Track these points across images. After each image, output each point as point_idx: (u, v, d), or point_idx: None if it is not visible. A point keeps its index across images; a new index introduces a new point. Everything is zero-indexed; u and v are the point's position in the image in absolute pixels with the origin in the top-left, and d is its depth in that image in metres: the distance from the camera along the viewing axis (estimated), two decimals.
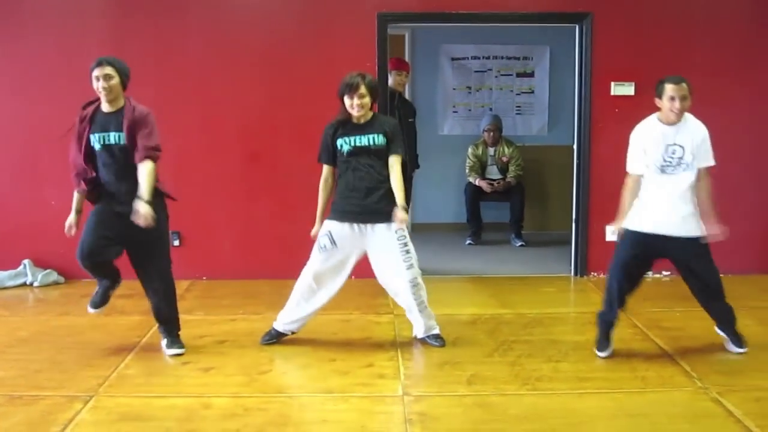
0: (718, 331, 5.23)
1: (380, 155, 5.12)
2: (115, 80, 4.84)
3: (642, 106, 6.98)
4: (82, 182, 4.92)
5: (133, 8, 6.98)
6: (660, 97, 4.92)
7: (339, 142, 5.09)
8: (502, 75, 9.73)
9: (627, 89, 7.01)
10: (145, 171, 4.83)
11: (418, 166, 7.84)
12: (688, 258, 5.00)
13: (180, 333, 5.28)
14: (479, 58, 9.68)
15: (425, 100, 9.49)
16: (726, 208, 6.79)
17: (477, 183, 9.05)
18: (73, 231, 4.95)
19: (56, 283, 7.06)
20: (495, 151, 9.18)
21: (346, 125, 5.12)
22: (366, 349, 5.34)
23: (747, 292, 6.69)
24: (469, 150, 9.19)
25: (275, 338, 5.36)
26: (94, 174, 4.90)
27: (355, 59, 6.96)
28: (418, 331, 5.36)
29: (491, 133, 9.13)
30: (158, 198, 4.97)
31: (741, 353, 5.09)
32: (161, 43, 7.00)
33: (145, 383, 4.72)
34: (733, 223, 7.12)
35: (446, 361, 5.05)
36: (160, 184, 5.00)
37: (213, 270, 7.23)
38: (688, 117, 4.98)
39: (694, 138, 4.91)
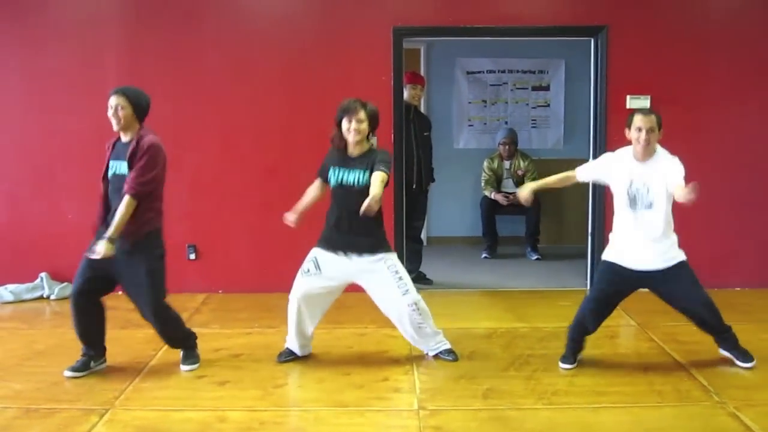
0: (723, 352, 5.20)
1: (359, 194, 4.89)
2: (126, 111, 4.81)
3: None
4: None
5: (151, 23, 7.03)
6: (629, 127, 4.91)
7: (330, 172, 5.09)
8: (517, 88, 9.74)
9: (643, 102, 6.99)
10: (122, 205, 4.73)
11: (433, 180, 7.84)
12: (673, 287, 4.96)
13: (196, 346, 5.29)
14: (495, 72, 9.69)
15: (441, 113, 9.51)
16: (741, 220, 6.80)
17: (492, 196, 9.04)
18: None
19: None
20: (510, 164, 9.18)
21: (342, 155, 5.07)
22: (381, 362, 5.34)
23: (762, 305, 6.67)
24: (485, 163, 9.20)
25: (290, 356, 5.36)
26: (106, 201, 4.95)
27: (371, 73, 6.99)
28: (428, 349, 5.35)
29: (507, 147, 9.14)
30: (155, 235, 4.97)
31: (751, 367, 5.05)
32: (178, 58, 7.05)
33: (160, 396, 4.73)
34: (748, 236, 7.16)
35: (462, 375, 5.04)
36: (154, 221, 4.97)
37: (229, 283, 7.25)
38: (661, 154, 4.92)
39: (662, 177, 4.83)
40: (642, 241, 4.91)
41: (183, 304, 6.67)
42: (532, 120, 9.78)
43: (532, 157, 9.29)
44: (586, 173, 5.23)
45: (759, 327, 5.96)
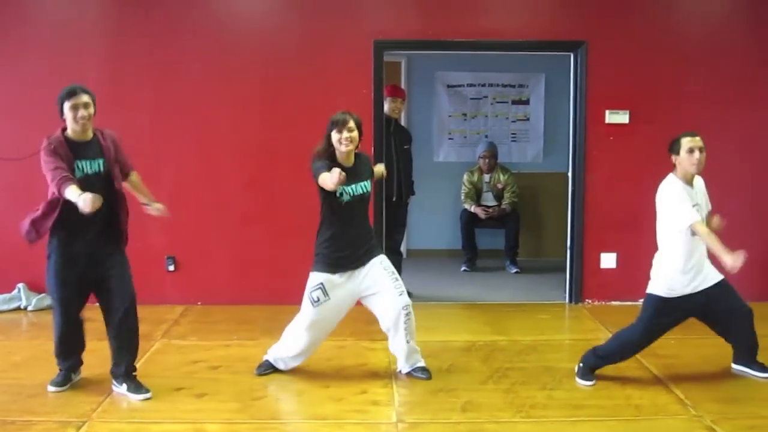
0: (738, 368, 5.24)
1: (368, 201, 5.17)
2: (92, 109, 4.76)
3: (636, 134, 7.08)
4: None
5: (130, 33, 7.00)
6: (677, 152, 4.97)
7: (338, 189, 4.92)
8: (497, 102, 9.78)
9: (621, 117, 7.05)
10: (138, 179, 5.11)
11: (413, 193, 7.85)
12: (722, 300, 5.06)
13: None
14: (475, 86, 9.72)
15: (421, 126, 9.52)
16: (722, 235, 6.82)
17: (472, 210, 9.06)
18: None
19: (50, 308, 6.96)
20: (490, 177, 9.21)
21: (336, 167, 4.95)
22: (360, 375, 5.33)
23: None
24: (465, 177, 9.22)
25: (270, 369, 5.33)
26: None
27: (352, 86, 7.01)
28: (404, 365, 5.28)
29: (486, 160, 9.16)
30: (123, 236, 4.95)
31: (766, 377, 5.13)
32: (158, 68, 7.03)
33: (138, 409, 4.71)
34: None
35: (440, 388, 5.04)
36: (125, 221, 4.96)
37: (208, 295, 7.22)
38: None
39: (704, 193, 5.10)
40: (703, 258, 5.02)
41: (161, 315, 6.66)
42: (512, 134, 9.81)
43: (512, 170, 9.32)
44: (694, 212, 4.87)
45: None
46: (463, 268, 8.97)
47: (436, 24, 7.06)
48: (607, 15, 7.09)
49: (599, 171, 7.14)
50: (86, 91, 4.76)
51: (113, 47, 7.04)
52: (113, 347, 4.95)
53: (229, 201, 7.17)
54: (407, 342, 5.17)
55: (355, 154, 5.16)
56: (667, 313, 5.01)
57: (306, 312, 5.11)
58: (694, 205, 4.89)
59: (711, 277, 5.04)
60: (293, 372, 5.33)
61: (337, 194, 4.94)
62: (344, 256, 5.04)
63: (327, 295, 5.04)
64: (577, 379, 5.14)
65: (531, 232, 9.57)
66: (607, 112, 7.08)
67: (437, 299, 7.50)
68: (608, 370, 5.39)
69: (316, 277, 5.07)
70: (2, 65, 7.03)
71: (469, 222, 9.10)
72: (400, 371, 5.31)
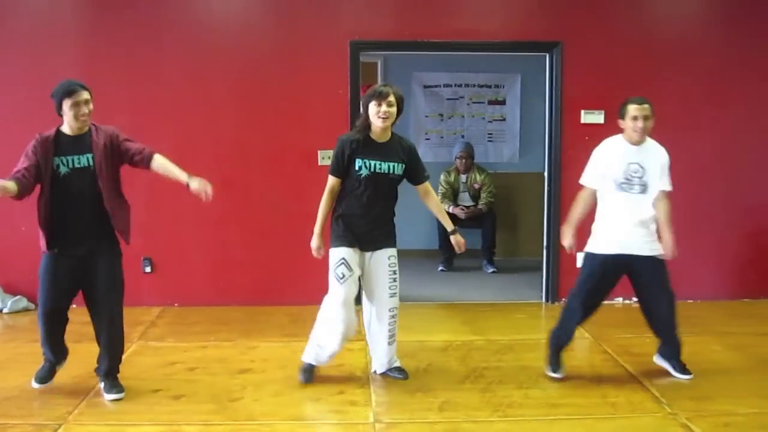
0: (660, 362, 5.28)
1: (395, 183, 5.06)
2: (92, 105, 4.72)
3: (612, 134, 7.06)
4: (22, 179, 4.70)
5: (107, 35, 6.96)
6: (623, 117, 5.05)
7: (357, 162, 4.92)
8: (473, 102, 9.81)
9: (597, 117, 7.09)
10: (164, 159, 5.05)
11: None
12: (649, 276, 5.08)
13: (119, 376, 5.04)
14: (451, 86, 9.75)
15: (398, 127, 9.40)
16: (694, 234, 6.89)
17: (450, 210, 9.07)
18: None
19: (26, 310, 6.99)
20: (467, 178, 9.22)
21: (366, 143, 4.95)
22: (337, 376, 5.32)
23: (715, 317, 6.75)
24: (441, 177, 9.23)
25: (312, 372, 5.19)
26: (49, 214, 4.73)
27: (328, 86, 7.01)
28: (379, 366, 5.26)
29: (463, 160, 9.18)
30: (117, 242, 4.93)
31: (689, 379, 5.14)
32: (135, 70, 6.99)
33: (115, 411, 4.69)
34: (701, 249, 7.23)
35: (418, 388, 5.06)
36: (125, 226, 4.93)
37: (185, 296, 7.20)
38: (651, 141, 5.11)
39: (656, 161, 5.05)
40: (631, 224, 5.02)
41: (138, 317, 6.63)
42: (489, 134, 9.85)
43: (489, 170, 9.34)
44: (594, 179, 5.14)
45: (712, 339, 6.05)
46: (440, 268, 8.99)
47: (413, 25, 7.08)
48: (582, 16, 7.13)
49: (575, 171, 7.08)
50: (85, 88, 4.70)
51: (89, 48, 6.99)
52: (99, 348, 4.96)
53: (206, 202, 7.12)
54: (389, 344, 5.17)
55: (398, 137, 5.11)
56: (597, 268, 5.07)
57: (335, 291, 4.99)
58: (631, 164, 4.98)
59: (639, 246, 5.02)
60: (270, 373, 5.32)
61: (356, 167, 4.92)
62: (355, 233, 4.98)
63: (351, 269, 4.97)
64: (547, 371, 5.19)
65: (507, 232, 9.60)
66: (582, 112, 7.13)
67: (414, 299, 7.50)
68: (584, 368, 5.44)
69: (336, 253, 4.97)
70: None
71: None
72: (374, 371, 5.31)
